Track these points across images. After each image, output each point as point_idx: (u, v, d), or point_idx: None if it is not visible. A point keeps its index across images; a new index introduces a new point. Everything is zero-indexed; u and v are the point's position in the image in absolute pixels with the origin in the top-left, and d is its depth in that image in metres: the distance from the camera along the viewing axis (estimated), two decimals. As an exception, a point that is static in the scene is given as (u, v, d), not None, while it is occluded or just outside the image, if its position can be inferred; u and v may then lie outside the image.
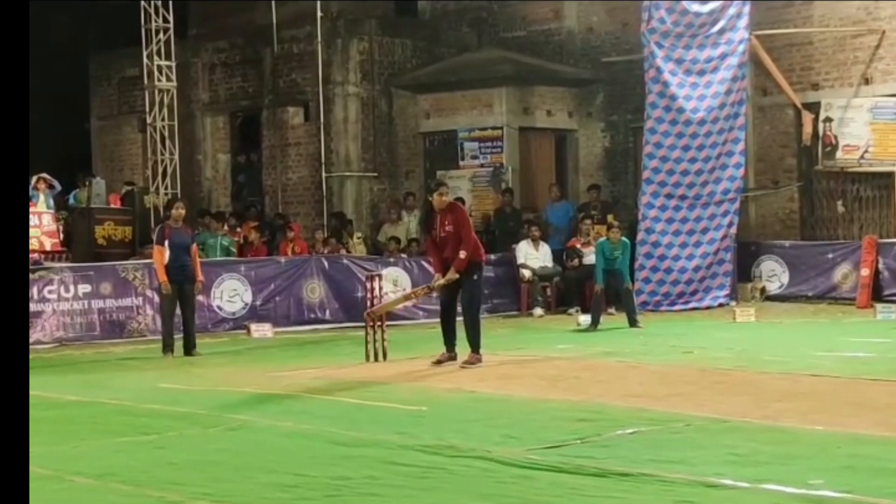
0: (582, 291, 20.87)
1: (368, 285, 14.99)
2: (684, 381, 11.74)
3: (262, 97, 25.91)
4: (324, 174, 24.53)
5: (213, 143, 26.88)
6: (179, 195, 21.48)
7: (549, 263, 21.41)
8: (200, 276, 16.31)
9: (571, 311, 20.43)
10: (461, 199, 23.35)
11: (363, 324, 14.90)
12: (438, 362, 13.61)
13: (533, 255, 21.35)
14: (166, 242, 15.90)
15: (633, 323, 18.08)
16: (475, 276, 13.75)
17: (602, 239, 19.17)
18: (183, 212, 16.30)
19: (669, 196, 21.17)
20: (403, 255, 21.51)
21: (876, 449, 7.70)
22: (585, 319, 18.49)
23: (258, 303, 19.44)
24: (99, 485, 7.40)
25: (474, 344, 13.59)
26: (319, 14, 24.11)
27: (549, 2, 25.26)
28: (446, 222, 13.71)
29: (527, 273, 21.14)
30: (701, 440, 8.30)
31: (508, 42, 25.40)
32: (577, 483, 7.02)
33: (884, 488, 6.48)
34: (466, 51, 25.73)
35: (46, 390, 12.48)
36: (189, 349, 15.92)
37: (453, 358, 13.67)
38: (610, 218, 21.78)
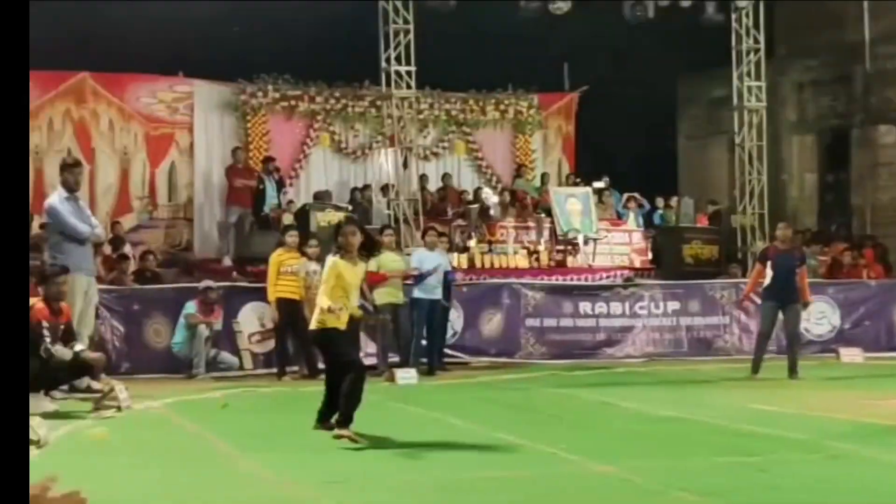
0: None
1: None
2: None
3: (852, 115, 25.45)
4: (916, 195, 23.78)
5: (801, 162, 26.72)
6: (767, 215, 21.62)
7: None
8: (808, 297, 16.18)
9: None
10: None
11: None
12: None
13: None
14: (769, 263, 15.97)
15: None
16: None
17: None
18: (789, 232, 16.30)
19: None
20: None
21: None
22: None
23: (847, 326, 19.15)
24: (704, 502, 7.65)
25: None
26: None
27: None
28: None
29: None
30: None
31: None
32: None
33: None
34: None
35: (641, 403, 13.02)
36: (791, 372, 15.82)
37: None
38: None
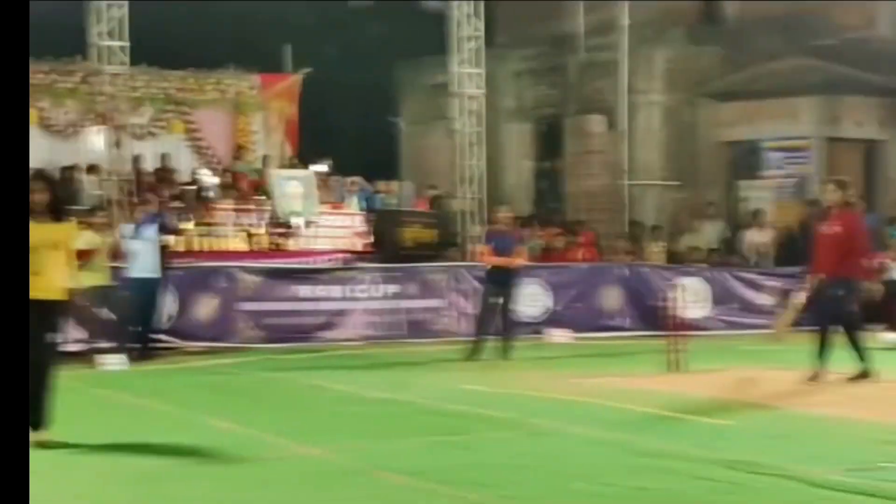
0: (889, 309, 20.20)
1: (669, 294, 14.97)
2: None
3: (566, 105, 26.14)
4: (625, 182, 24.57)
5: (518, 149, 27.30)
6: (485, 200, 21.98)
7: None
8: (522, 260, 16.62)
9: (876, 328, 19.80)
10: (762, 210, 23.13)
11: (661, 332, 14.92)
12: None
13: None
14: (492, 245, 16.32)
15: None
16: (840, 293, 13.08)
17: None
18: (510, 216, 16.62)
19: None
20: (703, 265, 21.35)
21: None
22: (892, 338, 17.92)
23: (558, 308, 19.66)
24: (406, 482, 7.68)
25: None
26: (626, 22, 24.16)
27: (860, 9, 24.59)
28: (835, 224, 13.20)
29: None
30: None
31: (818, 50, 24.82)
32: (882, 508, 6.90)
33: None
34: (774, 59, 25.30)
35: (353, 386, 13.05)
36: (505, 352, 16.12)
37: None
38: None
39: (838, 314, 13.14)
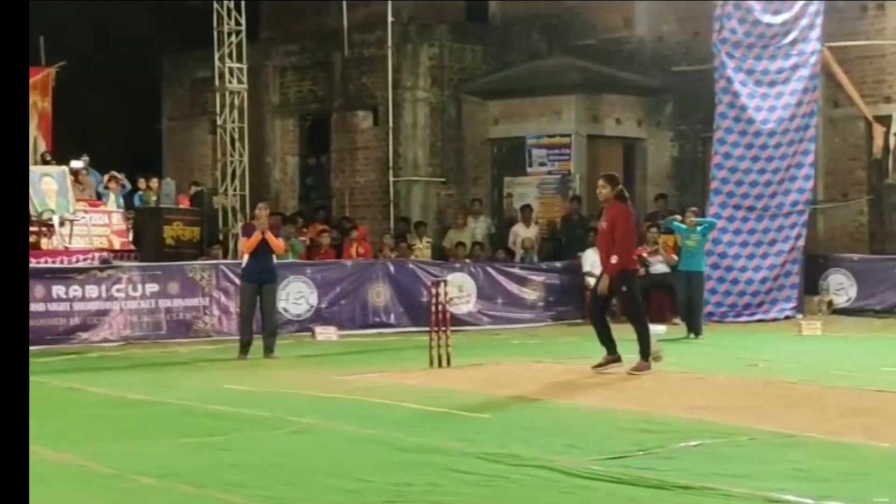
0: (647, 301, 20.78)
1: (434, 290, 15.01)
2: (749, 393, 11.67)
3: (332, 100, 26.04)
4: (391, 178, 24.61)
5: (283, 145, 27.07)
6: (248, 197, 21.69)
7: (615, 272, 21.27)
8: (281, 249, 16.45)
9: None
10: (529, 206, 23.48)
11: (427, 328, 14.95)
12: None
13: (599, 263, 21.24)
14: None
15: (695, 330, 17.96)
16: (623, 287, 13.34)
17: (679, 224, 18.86)
18: (265, 212, 16.33)
19: (738, 207, 21.05)
20: (469, 261, 21.53)
21: (943, 469, 7.62)
22: (651, 329, 18.40)
23: (323, 305, 19.52)
24: (162, 485, 7.47)
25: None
26: (391, 19, 24.19)
27: (620, 10, 25.18)
28: (605, 220, 13.50)
29: (592, 281, 21.03)
30: (765, 454, 8.23)
31: (579, 49, 25.32)
32: (638, 495, 7.00)
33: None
34: (536, 58, 25.70)
35: (112, 388, 12.66)
36: (267, 351, 15.88)
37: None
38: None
39: (623, 306, 13.50)
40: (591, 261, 21.19)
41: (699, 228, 18.32)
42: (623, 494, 7.02)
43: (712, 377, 13.12)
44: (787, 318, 20.85)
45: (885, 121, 21.94)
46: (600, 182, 13.68)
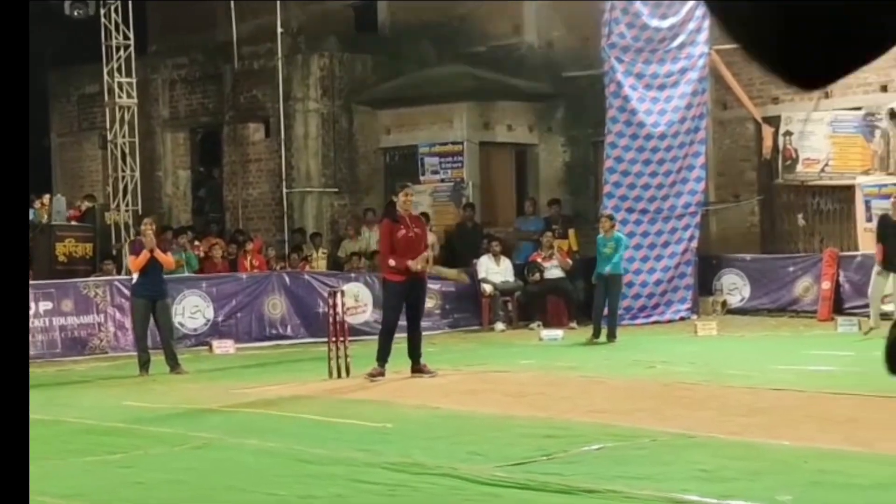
0: (543, 306, 20.94)
1: (330, 301, 14.96)
2: (648, 395, 11.78)
3: (223, 113, 25.84)
4: (284, 190, 24.49)
5: (174, 159, 26.81)
6: (140, 211, 21.45)
7: (511, 278, 21.40)
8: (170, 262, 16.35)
9: (533, 325, 20.44)
10: (425, 215, 23.49)
11: (325, 339, 14.91)
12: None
13: (494, 270, 21.36)
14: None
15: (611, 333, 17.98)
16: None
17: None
18: (150, 228, 16.11)
19: (630, 210, 21.25)
20: (364, 271, 21.49)
21: (842, 464, 7.75)
22: (548, 334, 18.52)
23: (220, 319, 19.35)
24: (63, 505, 7.35)
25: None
26: (280, 30, 24.08)
27: (509, 17, 25.31)
28: (414, 226, 14.04)
29: (488, 288, 21.14)
30: (667, 456, 8.32)
31: (469, 57, 25.37)
32: (543, 500, 7.04)
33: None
34: (427, 66, 25.72)
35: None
36: (173, 366, 15.63)
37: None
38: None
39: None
40: (485, 267, 21.30)
41: (618, 245, 18.31)
42: (529, 500, 7.05)
43: (611, 380, 13.23)
44: (682, 319, 21.09)
45: (773, 121, 22.29)
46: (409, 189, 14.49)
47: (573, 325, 19.56)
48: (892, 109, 20.57)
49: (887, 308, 17.45)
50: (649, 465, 7.97)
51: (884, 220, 17.76)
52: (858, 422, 9.62)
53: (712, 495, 6.87)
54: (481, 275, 21.21)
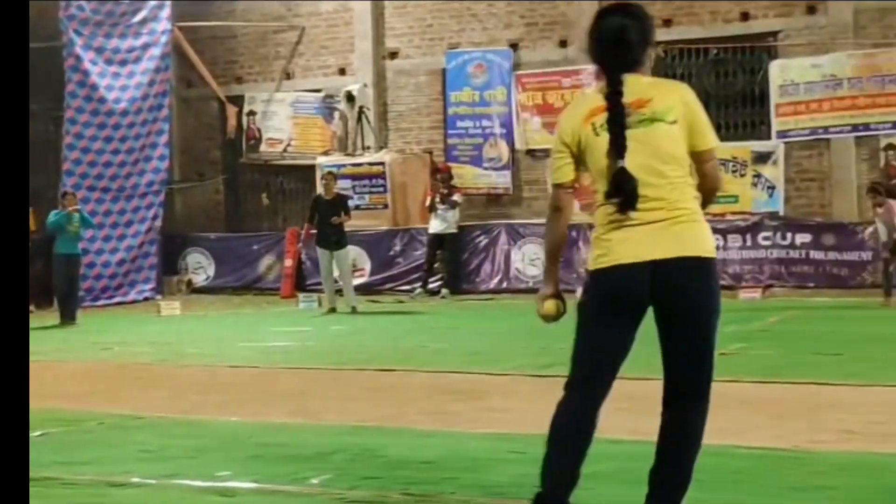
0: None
1: None
2: (102, 377, 11.42)
3: None
4: None
5: None
6: None
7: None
8: None
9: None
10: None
11: None
12: None
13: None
14: None
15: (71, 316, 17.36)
16: None
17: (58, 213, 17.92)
18: None
19: (92, 188, 20.68)
20: None
21: (285, 437, 7.75)
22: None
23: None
24: None
25: None
26: None
27: None
28: None
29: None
30: (113, 438, 8.01)
31: None
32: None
33: (289, 474, 6.49)
34: None
35: None
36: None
37: None
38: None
39: None
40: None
41: (82, 223, 17.55)
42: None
43: (64, 364, 12.73)
44: (146, 299, 20.80)
45: (237, 101, 22.38)
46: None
47: (31, 308, 18.76)
48: (348, 92, 21.16)
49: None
50: (93, 448, 7.63)
51: (317, 201, 18.10)
52: (308, 394, 9.71)
53: (154, 475, 6.64)
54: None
